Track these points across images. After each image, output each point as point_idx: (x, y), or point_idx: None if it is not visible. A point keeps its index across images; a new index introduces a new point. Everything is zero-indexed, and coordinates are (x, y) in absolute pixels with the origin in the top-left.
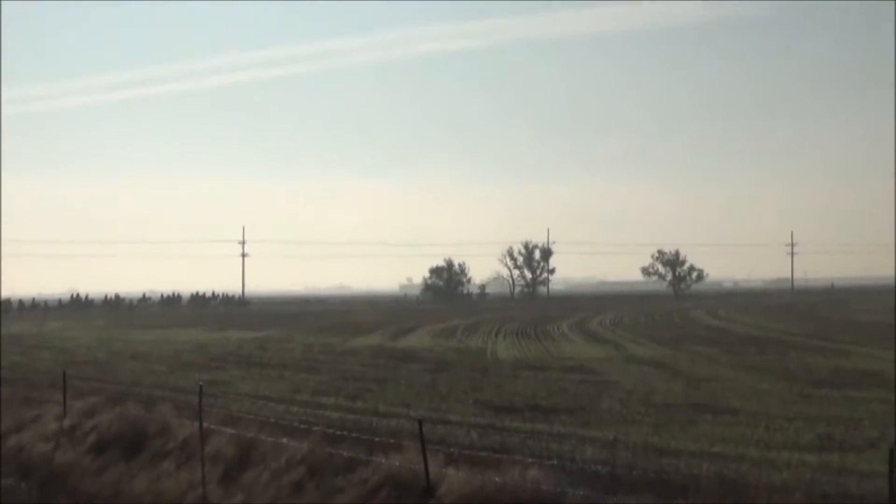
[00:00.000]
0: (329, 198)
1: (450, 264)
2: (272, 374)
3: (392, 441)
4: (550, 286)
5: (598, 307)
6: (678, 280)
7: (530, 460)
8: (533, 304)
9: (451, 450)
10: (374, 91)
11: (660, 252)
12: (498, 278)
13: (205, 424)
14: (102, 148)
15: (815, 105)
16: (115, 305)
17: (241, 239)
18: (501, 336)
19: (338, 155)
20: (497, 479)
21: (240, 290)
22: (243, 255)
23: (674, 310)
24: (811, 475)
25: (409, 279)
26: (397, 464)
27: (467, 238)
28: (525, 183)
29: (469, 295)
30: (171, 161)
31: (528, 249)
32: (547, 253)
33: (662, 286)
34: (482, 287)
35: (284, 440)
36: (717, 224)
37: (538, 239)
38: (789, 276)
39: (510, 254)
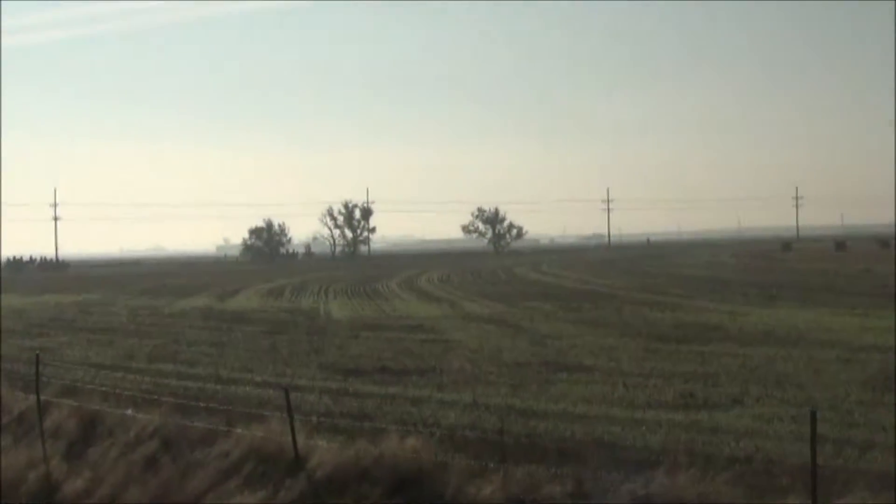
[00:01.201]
0: (143, 160)
1: (269, 225)
2: (101, 340)
3: (250, 411)
4: (370, 245)
5: (422, 265)
6: (498, 237)
7: (403, 428)
8: (355, 263)
9: (311, 418)
10: (190, 53)
11: (480, 210)
12: (318, 238)
13: (42, 397)
14: None
15: (622, 62)
16: None
17: (52, 202)
18: (331, 296)
19: (152, 117)
20: (373, 449)
21: (52, 254)
22: (55, 219)
23: (497, 267)
24: (685, 435)
25: (225, 240)
26: (260, 435)
27: (286, 199)
28: (342, 144)
29: (292, 255)
30: None
31: (349, 209)
32: (367, 212)
33: (482, 244)
34: (308, 247)
35: (129, 412)
36: (532, 182)
37: (357, 199)
38: (604, 232)
39: (330, 213)
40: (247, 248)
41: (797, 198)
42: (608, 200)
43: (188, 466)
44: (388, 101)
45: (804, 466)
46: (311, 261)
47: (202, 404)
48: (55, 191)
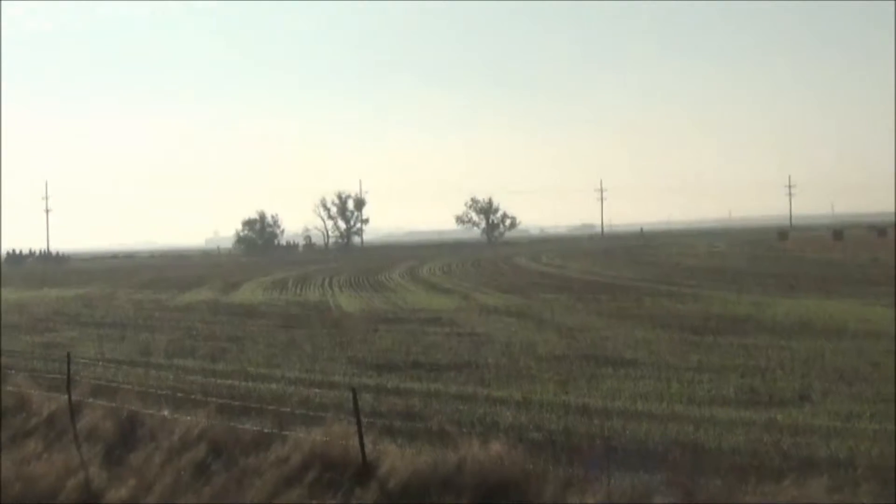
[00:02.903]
0: (136, 155)
1: (262, 216)
2: (112, 335)
3: (302, 412)
4: (363, 236)
5: (418, 256)
6: (491, 228)
7: (477, 431)
8: (350, 254)
9: (369, 420)
10: (183, 45)
11: (473, 200)
12: (309, 230)
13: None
14: None
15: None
16: None
17: (43, 194)
18: (336, 288)
19: (146, 110)
20: (452, 454)
21: (43, 248)
22: (47, 211)
23: (495, 257)
24: (767, 436)
25: (215, 232)
26: (321, 439)
27: (275, 191)
28: (333, 134)
29: (286, 246)
30: None
31: (342, 200)
32: (360, 203)
33: (473, 234)
34: (308, 238)
35: (166, 412)
36: (521, 171)
37: (350, 189)
38: (593, 221)
39: (323, 204)
40: (239, 240)
41: (790, 186)
42: (601, 190)
43: (243, 473)
44: (379, 90)
45: None
46: (306, 252)
47: (249, 404)
48: (46, 184)
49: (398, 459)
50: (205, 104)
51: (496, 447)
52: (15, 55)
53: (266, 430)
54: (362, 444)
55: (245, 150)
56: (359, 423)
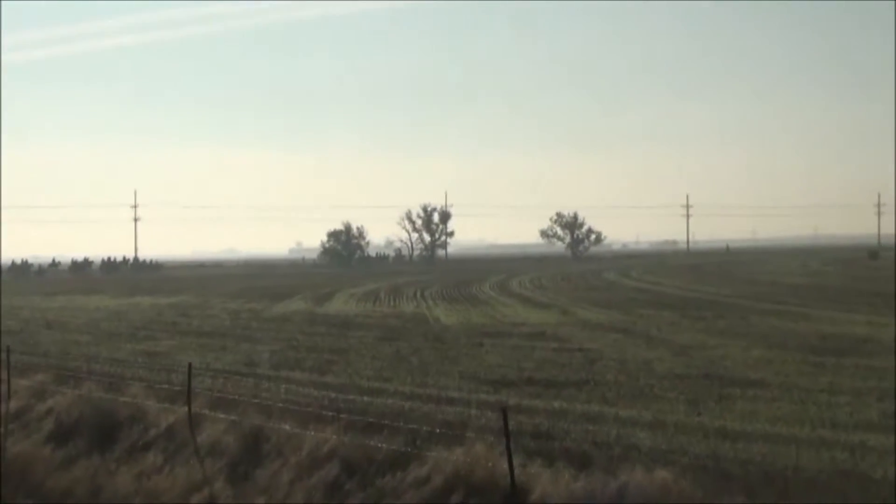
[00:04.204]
0: (218, 164)
1: (347, 227)
2: (212, 345)
3: (436, 430)
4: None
5: (505, 269)
6: (576, 242)
7: (618, 453)
8: (436, 266)
9: (485, 436)
10: (267, 57)
11: (559, 215)
12: (391, 242)
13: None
14: None
15: (711, 66)
16: (22, 271)
17: (133, 203)
18: (430, 300)
19: (228, 122)
20: (612, 480)
21: (128, 255)
22: (136, 220)
23: (583, 272)
24: None
25: (298, 243)
26: (467, 460)
27: (357, 202)
28: (417, 148)
29: (377, 258)
30: (61, 124)
31: (427, 212)
32: (445, 216)
33: (555, 248)
34: (399, 251)
35: (286, 426)
36: (604, 187)
37: (435, 202)
38: (677, 237)
39: (409, 217)
40: (325, 251)
41: (879, 205)
42: (687, 206)
43: (380, 494)
44: (463, 107)
45: None
46: (392, 264)
47: (379, 421)
48: (135, 193)
49: (550, 484)
50: (294, 117)
51: (661, 474)
52: (113, 63)
53: (400, 449)
54: (511, 467)
55: (329, 164)
56: (508, 444)
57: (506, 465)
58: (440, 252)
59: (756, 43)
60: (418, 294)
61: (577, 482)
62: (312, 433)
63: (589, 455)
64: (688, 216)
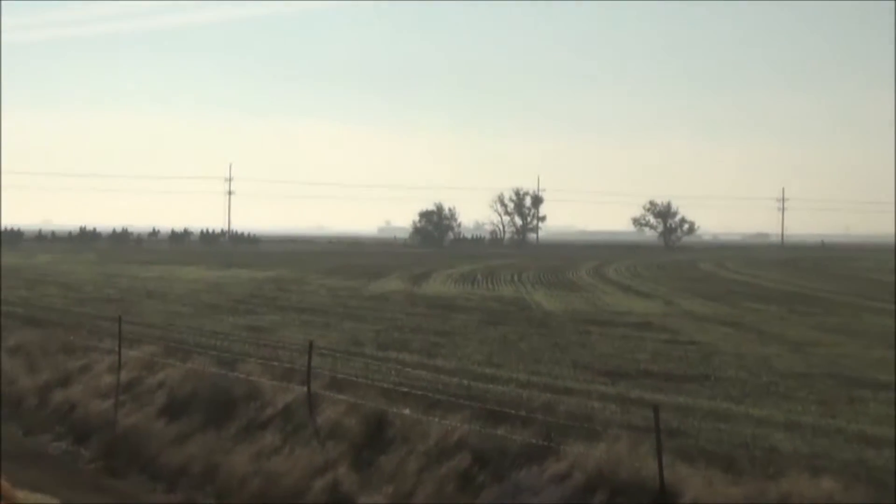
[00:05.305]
0: (311, 140)
1: (440, 208)
2: (315, 322)
3: (569, 423)
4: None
5: (598, 256)
6: (669, 231)
7: (758, 456)
8: (527, 250)
9: (614, 430)
10: (363, 35)
11: (652, 203)
12: (481, 224)
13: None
14: (94, 81)
15: (811, 59)
16: (121, 239)
17: (227, 176)
18: (528, 284)
19: (320, 98)
20: (772, 487)
21: (220, 228)
22: (229, 193)
23: (678, 261)
24: None
25: (387, 222)
26: (610, 457)
27: (448, 184)
28: (509, 131)
29: (471, 240)
30: (161, 97)
31: (519, 196)
32: (537, 200)
33: (646, 236)
34: (494, 233)
35: (406, 411)
36: (696, 177)
37: (528, 186)
38: (769, 230)
39: (501, 200)
40: (416, 230)
41: None
42: (783, 199)
43: (517, 490)
44: (552, 91)
45: None
46: (482, 246)
47: (506, 410)
48: (230, 166)
49: (703, 488)
50: (387, 96)
51: (828, 483)
52: (216, 37)
53: (536, 442)
54: (661, 469)
55: (424, 143)
56: (658, 444)
57: (652, 465)
58: (531, 236)
59: (863, 32)
60: (515, 278)
61: (733, 487)
62: (437, 420)
63: (733, 457)
64: (783, 209)
